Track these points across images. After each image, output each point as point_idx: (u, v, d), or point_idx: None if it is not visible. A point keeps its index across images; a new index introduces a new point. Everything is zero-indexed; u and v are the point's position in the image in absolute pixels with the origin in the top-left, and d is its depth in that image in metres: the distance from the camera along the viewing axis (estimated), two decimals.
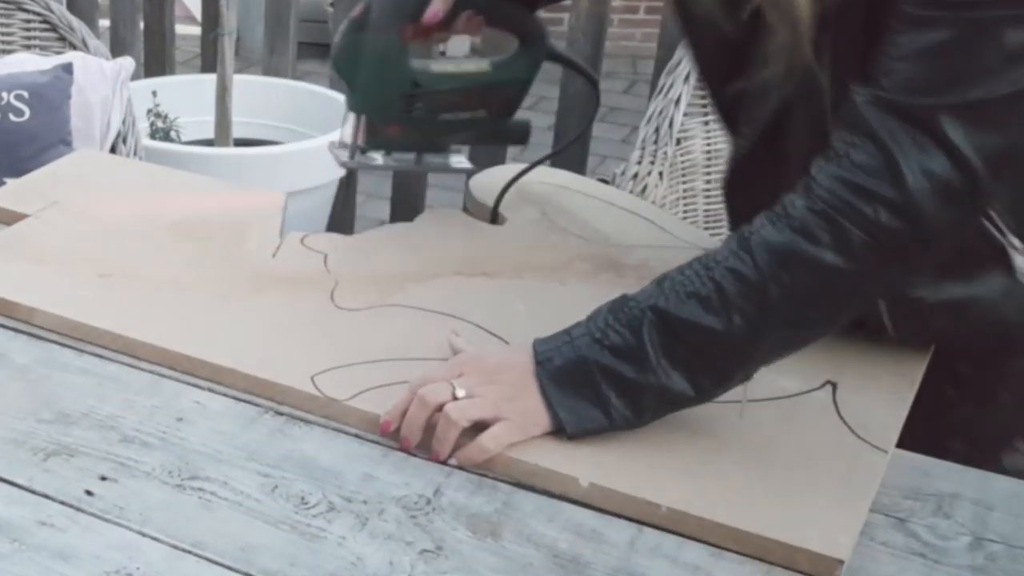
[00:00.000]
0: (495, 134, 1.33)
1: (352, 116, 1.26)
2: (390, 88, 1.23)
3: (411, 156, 1.29)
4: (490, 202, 1.35)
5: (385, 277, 1.21)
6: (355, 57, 1.21)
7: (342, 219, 2.90)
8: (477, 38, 1.37)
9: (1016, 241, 1.05)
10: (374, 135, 1.26)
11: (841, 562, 0.86)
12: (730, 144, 1.20)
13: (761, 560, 0.88)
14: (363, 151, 1.27)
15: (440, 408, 0.95)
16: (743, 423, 1.00)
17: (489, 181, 1.38)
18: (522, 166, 1.38)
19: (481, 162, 1.39)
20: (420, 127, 1.26)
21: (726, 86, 1.13)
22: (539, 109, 3.02)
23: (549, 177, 1.42)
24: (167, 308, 1.14)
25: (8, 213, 1.32)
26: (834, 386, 1.04)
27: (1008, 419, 1.15)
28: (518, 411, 0.96)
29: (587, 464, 0.94)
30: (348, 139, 1.26)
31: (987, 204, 0.92)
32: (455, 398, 0.95)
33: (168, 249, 1.25)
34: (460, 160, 1.32)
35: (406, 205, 2.84)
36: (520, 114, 1.32)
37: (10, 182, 1.47)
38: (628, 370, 0.94)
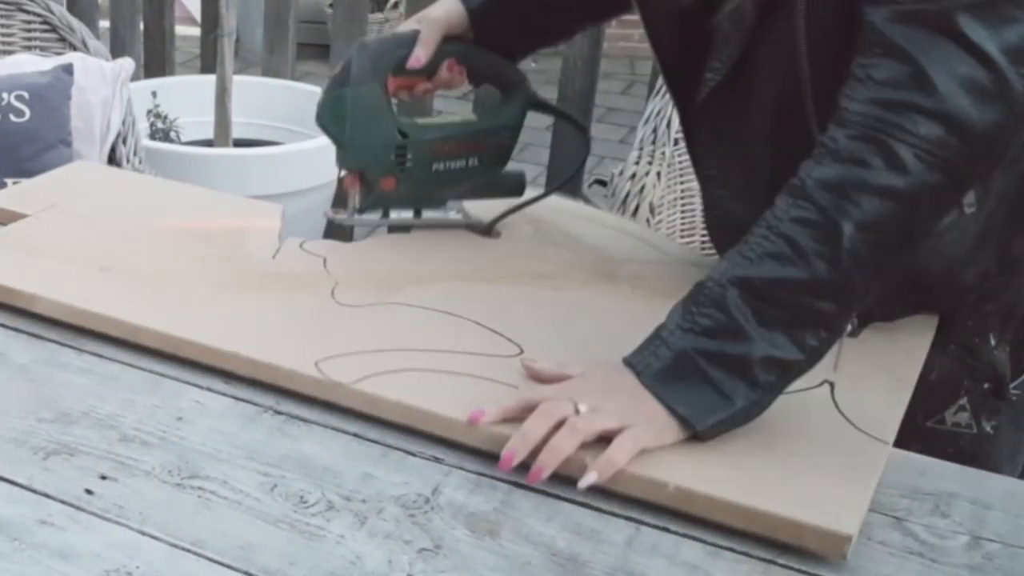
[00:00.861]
0: (490, 185, 1.33)
1: (345, 174, 1.25)
2: (379, 141, 1.22)
3: (409, 212, 1.30)
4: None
5: (385, 279, 1.21)
6: (341, 113, 1.20)
7: None
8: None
9: None
10: (370, 191, 1.26)
11: (849, 538, 0.86)
12: (679, 102, 1.21)
13: (767, 539, 0.88)
14: (360, 211, 1.26)
15: (561, 423, 0.93)
16: None
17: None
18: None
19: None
20: (414, 178, 1.26)
21: (678, 53, 1.13)
22: None
23: (541, 201, 1.44)
24: (169, 297, 1.15)
25: (6, 213, 1.32)
26: (832, 385, 1.05)
27: (953, 376, 1.15)
28: (643, 419, 0.93)
29: (593, 447, 0.94)
30: (346, 199, 1.26)
31: (1021, 103, 0.90)
32: (577, 413, 0.93)
33: (169, 248, 1.26)
34: (456, 212, 1.33)
35: None
36: None
37: (6, 188, 1.47)
38: (729, 347, 0.92)
